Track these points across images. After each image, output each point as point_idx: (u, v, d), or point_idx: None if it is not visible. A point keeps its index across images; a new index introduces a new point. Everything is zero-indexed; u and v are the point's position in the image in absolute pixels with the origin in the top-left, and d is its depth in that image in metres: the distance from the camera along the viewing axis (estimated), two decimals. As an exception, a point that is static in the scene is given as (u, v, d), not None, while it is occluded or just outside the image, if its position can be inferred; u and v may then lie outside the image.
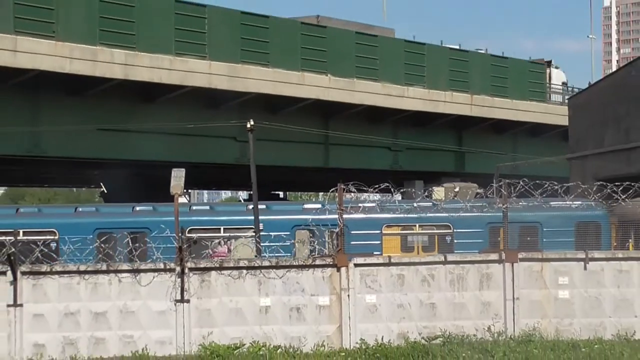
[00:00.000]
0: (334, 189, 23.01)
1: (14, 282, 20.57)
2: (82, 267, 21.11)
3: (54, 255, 24.08)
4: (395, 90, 47.18)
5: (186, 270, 21.04)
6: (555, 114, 54.33)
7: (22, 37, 33.92)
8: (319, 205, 28.15)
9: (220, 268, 21.37)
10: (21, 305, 20.58)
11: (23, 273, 20.68)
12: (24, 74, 34.80)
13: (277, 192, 59.99)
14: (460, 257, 22.55)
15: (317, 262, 21.67)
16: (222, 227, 30.00)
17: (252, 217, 28.11)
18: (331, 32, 45.37)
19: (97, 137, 38.68)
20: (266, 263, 21.63)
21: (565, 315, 21.88)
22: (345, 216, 26.17)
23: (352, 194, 24.22)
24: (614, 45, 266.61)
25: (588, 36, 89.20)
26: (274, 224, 28.74)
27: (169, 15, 38.59)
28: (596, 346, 19.93)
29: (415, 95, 48.23)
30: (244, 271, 21.29)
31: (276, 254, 23.36)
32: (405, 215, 29.67)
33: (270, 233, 27.30)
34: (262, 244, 25.69)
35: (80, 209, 32.17)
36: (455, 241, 30.14)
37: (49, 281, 20.76)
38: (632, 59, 53.54)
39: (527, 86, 54.79)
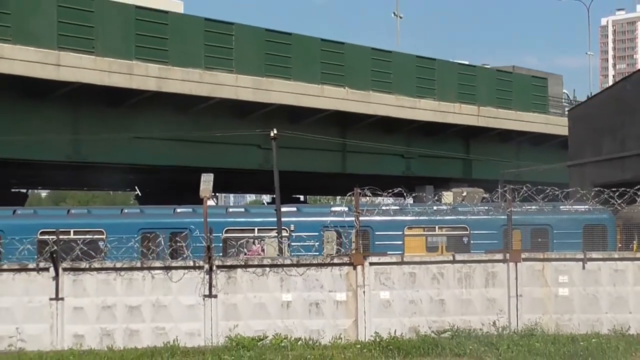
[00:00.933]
0: (350, 193, 22.97)
1: (56, 277, 20.63)
2: (118, 264, 21.13)
3: (94, 254, 24.02)
4: (408, 102, 47.16)
5: (214, 268, 21.04)
6: (556, 124, 54.15)
7: (65, 53, 34.15)
8: (345, 209, 28.08)
9: (246, 266, 21.35)
10: (62, 299, 20.63)
11: (64, 269, 20.74)
12: (67, 87, 35.00)
13: (297, 196, 59.94)
14: (467, 257, 22.48)
15: (335, 260, 21.63)
16: (256, 228, 29.93)
17: (284, 219, 28.21)
18: (348, 48, 45.37)
19: (132, 145, 38.84)
20: (288, 261, 21.64)
21: (565, 312, 21.76)
22: (370, 218, 26.34)
23: (367, 197, 24.15)
24: (610, 61, 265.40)
25: (586, 53, 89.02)
26: (305, 225, 28.78)
27: (199, 32, 38.71)
28: (593, 340, 19.84)
29: (426, 107, 48.14)
30: (267, 269, 21.25)
31: (307, 253, 23.36)
32: (427, 218, 29.73)
33: (301, 234, 27.35)
34: (293, 243, 25.77)
35: (126, 211, 32.17)
36: (472, 242, 30.01)
37: (87, 277, 20.81)
38: (627, 74, 53.26)
39: (530, 99, 54.62)
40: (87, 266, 20.93)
